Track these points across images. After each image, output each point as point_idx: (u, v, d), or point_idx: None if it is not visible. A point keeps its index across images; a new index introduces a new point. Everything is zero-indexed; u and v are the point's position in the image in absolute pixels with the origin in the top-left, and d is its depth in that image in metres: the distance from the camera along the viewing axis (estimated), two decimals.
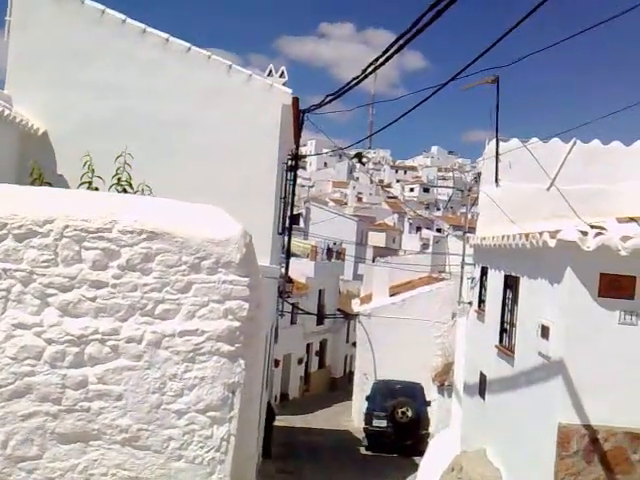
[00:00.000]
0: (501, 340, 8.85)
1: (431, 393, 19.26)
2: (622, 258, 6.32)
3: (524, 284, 7.95)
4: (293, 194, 16.28)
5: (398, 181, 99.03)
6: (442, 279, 25.19)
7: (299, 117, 14.02)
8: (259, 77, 10.88)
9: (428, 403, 19.01)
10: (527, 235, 7.48)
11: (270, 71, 11.45)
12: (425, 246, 54.94)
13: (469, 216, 14.99)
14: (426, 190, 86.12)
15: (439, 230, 65.53)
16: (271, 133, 10.55)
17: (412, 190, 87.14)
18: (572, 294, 6.53)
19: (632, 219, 6.84)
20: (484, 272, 10.18)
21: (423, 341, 22.63)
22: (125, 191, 5.29)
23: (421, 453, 17.68)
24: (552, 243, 6.56)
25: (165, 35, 10.08)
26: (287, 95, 10.79)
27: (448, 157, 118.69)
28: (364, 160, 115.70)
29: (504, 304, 8.90)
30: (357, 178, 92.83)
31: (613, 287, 6.47)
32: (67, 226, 4.45)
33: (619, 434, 6.34)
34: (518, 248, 7.86)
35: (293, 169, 15.89)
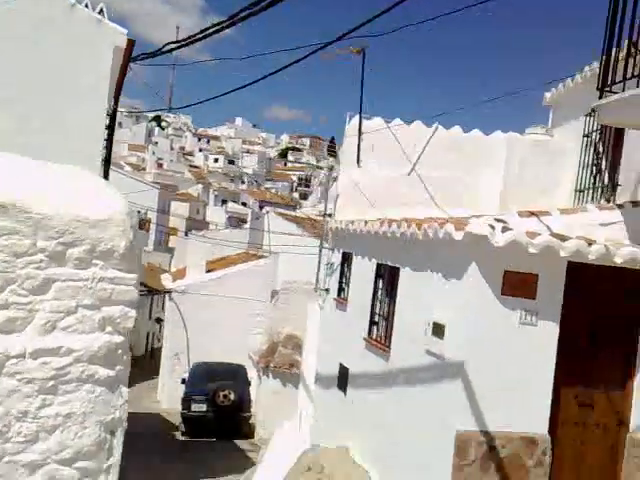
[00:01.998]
0: (370, 333, 8.31)
1: (253, 375, 18.60)
2: (525, 256, 6.02)
3: (405, 276, 7.43)
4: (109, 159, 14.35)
5: (201, 150, 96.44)
6: (261, 256, 24.55)
7: (127, 66, 12.15)
8: (84, 8, 8.93)
9: (249, 383, 18.33)
10: (417, 223, 6.94)
11: (101, 10, 9.60)
12: (231, 220, 54.27)
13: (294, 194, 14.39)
14: (231, 162, 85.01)
15: (244, 204, 65.18)
16: (98, 82, 8.74)
17: (217, 161, 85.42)
18: (474, 291, 6.09)
19: (533, 214, 6.60)
20: (346, 258, 9.58)
21: (242, 320, 21.86)
22: None
23: (243, 436, 17.05)
24: (458, 236, 6.04)
25: None
26: (121, 36, 8.99)
27: (252, 130, 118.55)
28: (164, 124, 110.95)
29: (375, 294, 8.36)
30: (156, 143, 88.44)
31: (516, 286, 6.15)
32: None
33: (515, 440, 6.08)
34: (397, 236, 7.31)
35: (109, 128, 13.94)
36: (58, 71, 8.35)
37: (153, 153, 75.98)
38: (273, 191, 73.49)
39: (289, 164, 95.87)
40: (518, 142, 9.97)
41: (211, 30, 7.98)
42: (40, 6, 8.30)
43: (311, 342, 10.68)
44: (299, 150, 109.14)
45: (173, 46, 9.60)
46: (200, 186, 65.80)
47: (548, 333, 6.20)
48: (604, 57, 6.25)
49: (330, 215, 10.38)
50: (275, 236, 24.65)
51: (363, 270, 8.71)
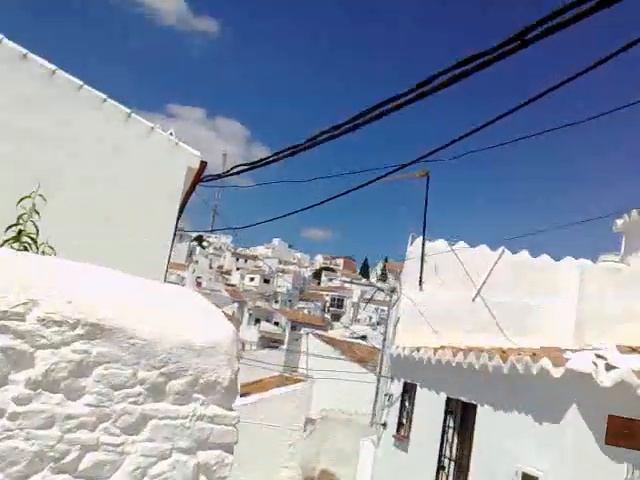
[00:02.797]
0: (437, 478, 7.36)
1: None
2: (632, 398, 5.23)
3: (484, 414, 6.61)
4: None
5: (238, 269, 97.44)
6: (297, 380, 23.50)
7: (195, 186, 12.18)
8: (161, 132, 9.04)
9: None
10: (502, 354, 6.24)
11: (170, 133, 9.68)
12: (264, 339, 53.37)
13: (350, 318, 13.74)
14: (266, 281, 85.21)
15: (276, 323, 64.50)
16: (172, 199, 8.64)
17: (252, 280, 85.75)
18: (575, 439, 5.27)
19: (634, 349, 5.88)
20: (407, 390, 8.77)
21: (273, 452, 20.45)
22: (26, 250, 3.24)
23: None
24: (557, 373, 5.32)
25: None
26: (194, 157, 9.03)
27: (288, 250, 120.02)
28: (205, 244, 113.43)
29: (444, 434, 7.49)
30: (197, 262, 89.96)
31: (623, 433, 5.31)
32: None
33: None
34: (475, 368, 6.58)
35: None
36: (138, 189, 8.31)
37: (193, 271, 76.91)
38: (305, 311, 72.85)
39: (325, 282, 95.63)
40: (593, 270, 9.34)
41: (272, 158, 7.93)
42: (119, 125, 8.38)
43: None
44: (333, 270, 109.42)
45: (240, 169, 9.58)
46: (236, 304, 65.62)
47: None
48: None
49: (384, 340, 9.71)
50: (311, 359, 23.73)
51: (430, 405, 7.89)
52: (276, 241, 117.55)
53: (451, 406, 7.48)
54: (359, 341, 26.43)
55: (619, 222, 9.94)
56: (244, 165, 9.54)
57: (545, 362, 5.46)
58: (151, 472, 2.75)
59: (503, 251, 9.91)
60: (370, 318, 60.23)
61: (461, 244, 9.95)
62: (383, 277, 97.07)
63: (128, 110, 8.60)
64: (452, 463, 7.25)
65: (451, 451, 7.37)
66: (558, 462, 5.32)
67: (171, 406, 2.89)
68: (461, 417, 7.23)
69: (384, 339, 9.70)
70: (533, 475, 5.50)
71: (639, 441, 5.35)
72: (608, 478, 5.22)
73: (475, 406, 6.78)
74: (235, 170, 10.24)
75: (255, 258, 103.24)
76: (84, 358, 2.69)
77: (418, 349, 8.26)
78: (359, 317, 67.08)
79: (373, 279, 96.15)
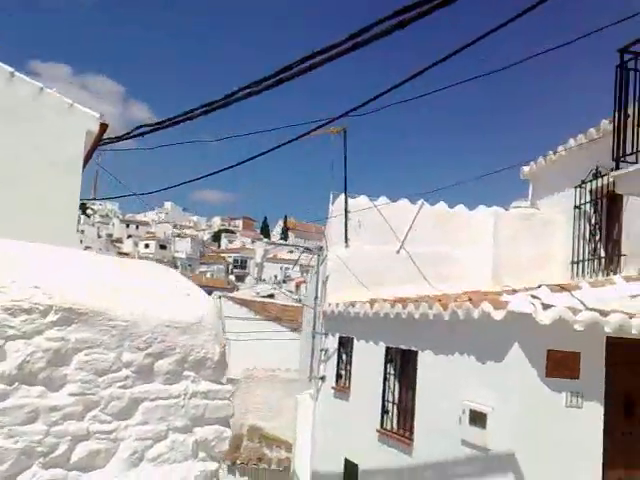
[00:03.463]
0: (383, 423, 7.70)
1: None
2: (567, 333, 5.70)
3: (426, 359, 6.96)
4: None
5: (130, 236, 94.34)
6: None
7: (94, 149, 11.51)
8: (52, 91, 8.35)
9: None
10: (442, 303, 6.55)
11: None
12: None
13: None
14: (163, 247, 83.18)
15: None
16: (73, 165, 8.09)
17: (147, 246, 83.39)
18: (519, 375, 5.69)
19: (563, 288, 6.34)
20: (343, 343, 9.02)
21: None
22: None
23: None
24: (498, 315, 5.68)
25: None
26: (93, 119, 8.42)
27: (183, 214, 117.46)
28: (89, 212, 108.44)
29: (385, 381, 7.82)
30: (82, 231, 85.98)
31: (560, 366, 5.79)
32: None
33: None
34: (415, 317, 6.89)
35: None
36: (35, 156, 7.72)
37: (81, 242, 73.63)
38: (208, 275, 72.13)
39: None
40: (505, 217, 9.90)
41: (182, 117, 7.60)
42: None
43: (303, 437, 9.89)
44: (232, 232, 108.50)
45: (144, 130, 9.12)
46: None
47: (594, 415, 5.83)
48: (617, 129, 6.27)
49: (315, 298, 9.90)
50: (227, 322, 23.70)
51: (369, 355, 8.18)
52: (168, 205, 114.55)
53: (391, 354, 7.80)
54: (271, 300, 26.64)
55: (526, 169, 10.54)
56: (148, 126, 8.96)
57: (486, 306, 5.79)
58: (148, 455, 2.72)
59: (422, 204, 10.27)
60: (275, 277, 60.62)
61: (382, 199, 10.21)
62: (284, 236, 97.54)
63: (10, 69, 7.82)
64: (395, 407, 7.60)
65: (394, 396, 7.71)
66: (504, 398, 5.72)
67: (162, 386, 2.85)
68: (402, 364, 7.56)
69: (315, 297, 9.87)
70: (481, 411, 5.89)
71: (574, 370, 5.85)
72: (550, 407, 5.70)
73: (416, 352, 7.11)
74: (138, 131, 9.70)
75: (147, 224, 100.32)
76: (62, 346, 2.59)
77: (353, 304, 8.49)
78: (263, 277, 67.28)
79: (274, 238, 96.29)
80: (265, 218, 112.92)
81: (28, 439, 2.50)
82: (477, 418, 5.93)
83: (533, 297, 5.94)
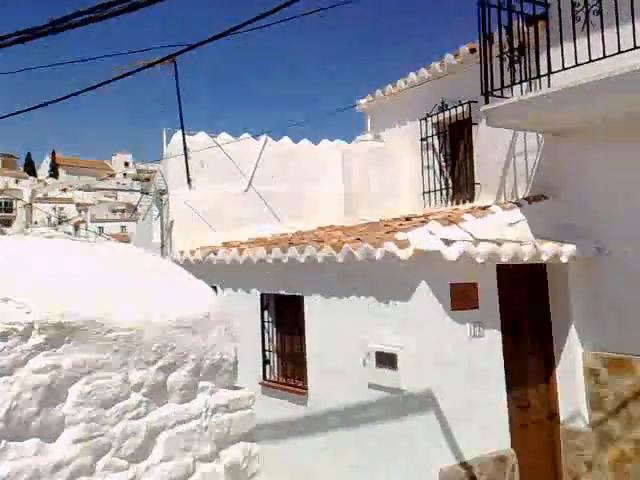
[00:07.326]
0: (265, 375, 7.27)
1: None
2: (465, 266, 5.72)
3: (315, 304, 6.60)
4: None
5: None
6: None
7: None
8: None
9: None
10: (334, 244, 6.18)
11: None
12: None
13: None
14: None
15: None
16: None
17: None
18: (427, 312, 5.60)
19: (451, 221, 6.28)
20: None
21: None
22: None
23: None
24: (404, 254, 5.47)
25: None
26: None
27: None
28: None
29: (263, 331, 7.34)
30: None
31: (462, 298, 5.81)
32: None
33: (489, 464, 5.72)
34: (301, 261, 6.47)
35: None
36: None
37: None
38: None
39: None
40: (352, 150, 9.74)
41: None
42: None
43: None
44: None
45: None
46: None
47: (493, 342, 6.00)
48: (484, 64, 6.30)
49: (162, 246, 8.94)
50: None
51: (239, 305, 7.58)
52: None
53: (268, 302, 7.31)
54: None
55: (363, 102, 10.40)
56: None
57: (390, 246, 5.53)
58: None
59: (266, 140, 9.70)
60: (49, 219, 55.36)
61: (223, 136, 9.43)
62: (53, 173, 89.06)
63: None
64: (280, 357, 7.20)
65: (276, 345, 7.29)
66: (413, 336, 5.59)
67: (179, 406, 2.19)
68: (284, 311, 7.13)
69: (162, 245, 8.90)
70: (389, 352, 5.72)
71: (474, 301, 5.91)
72: (456, 339, 5.71)
73: (301, 298, 6.71)
74: None
75: None
76: (54, 377, 1.81)
77: (215, 252, 7.77)
78: (35, 219, 61.16)
79: (42, 176, 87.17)
80: (28, 154, 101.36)
81: None
82: (386, 360, 5.77)
83: (430, 233, 5.82)
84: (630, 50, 5.12)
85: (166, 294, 2.25)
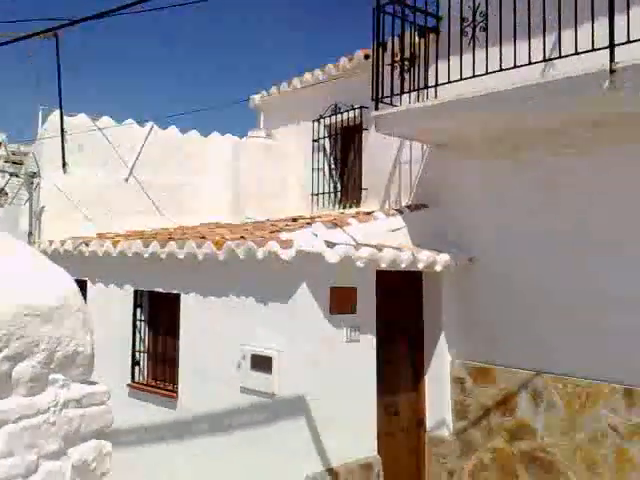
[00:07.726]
0: (133, 377, 6.90)
1: None
2: (346, 270, 5.69)
3: (190, 303, 6.34)
4: None
5: None
6: None
7: None
8: None
9: None
10: (216, 241, 5.96)
11: None
12: None
13: None
14: None
15: None
16: None
17: None
18: (306, 315, 5.50)
19: (336, 224, 6.20)
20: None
21: None
22: None
23: None
24: (286, 255, 5.35)
25: None
26: None
27: None
28: None
29: (135, 330, 6.97)
30: None
31: (341, 302, 5.76)
32: None
33: (355, 470, 5.69)
34: (180, 257, 6.20)
35: None
36: None
37: None
38: None
39: None
40: (243, 146, 9.53)
41: None
42: None
43: None
44: None
45: None
46: None
47: (368, 348, 6.00)
48: (375, 72, 6.33)
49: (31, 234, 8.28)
50: None
51: (110, 302, 7.17)
52: None
53: (141, 299, 6.96)
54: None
55: (256, 98, 10.21)
56: None
57: (273, 246, 5.39)
58: None
59: (152, 127, 9.28)
60: None
61: (106, 119, 8.93)
62: None
63: None
64: (150, 357, 6.86)
65: (148, 345, 6.95)
66: (291, 340, 5.48)
67: (25, 400, 1.96)
68: (159, 309, 6.81)
69: (30, 232, 8.25)
70: (265, 355, 5.57)
71: (350, 306, 5.88)
72: (333, 344, 5.65)
73: (178, 295, 6.43)
74: None
75: None
76: None
77: (87, 243, 7.30)
78: None
79: None
80: None
81: None
82: (261, 363, 5.61)
83: (314, 235, 5.74)
84: (512, 68, 5.28)
85: (16, 278, 2.00)
